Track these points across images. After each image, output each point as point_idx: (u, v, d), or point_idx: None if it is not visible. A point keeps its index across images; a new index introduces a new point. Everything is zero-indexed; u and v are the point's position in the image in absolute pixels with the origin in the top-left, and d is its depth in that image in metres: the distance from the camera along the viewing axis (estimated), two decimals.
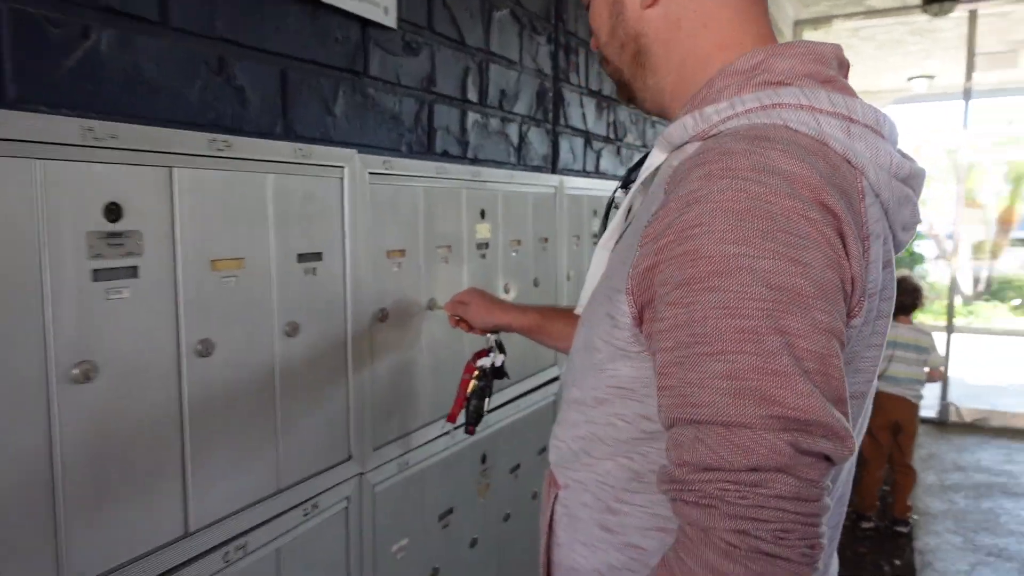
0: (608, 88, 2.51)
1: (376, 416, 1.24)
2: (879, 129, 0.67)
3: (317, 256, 1.08)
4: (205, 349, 0.91)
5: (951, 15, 4.23)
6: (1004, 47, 5.02)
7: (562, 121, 2.20)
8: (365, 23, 1.36)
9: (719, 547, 0.54)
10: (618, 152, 2.62)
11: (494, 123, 1.83)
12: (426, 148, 1.56)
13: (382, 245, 1.22)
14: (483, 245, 1.54)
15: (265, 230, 0.99)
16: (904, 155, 0.69)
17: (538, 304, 1.38)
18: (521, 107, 1.96)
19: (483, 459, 1.60)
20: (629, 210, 0.80)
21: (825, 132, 0.64)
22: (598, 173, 2.43)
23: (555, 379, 1.97)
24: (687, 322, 0.58)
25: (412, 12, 1.50)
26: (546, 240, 1.83)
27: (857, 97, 0.68)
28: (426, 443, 1.38)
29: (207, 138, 0.91)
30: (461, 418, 1.23)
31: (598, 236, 0.89)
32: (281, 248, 1.02)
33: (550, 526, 0.81)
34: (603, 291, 0.73)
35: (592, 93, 2.39)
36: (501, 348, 1.32)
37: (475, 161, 1.74)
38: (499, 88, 1.84)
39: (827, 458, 0.55)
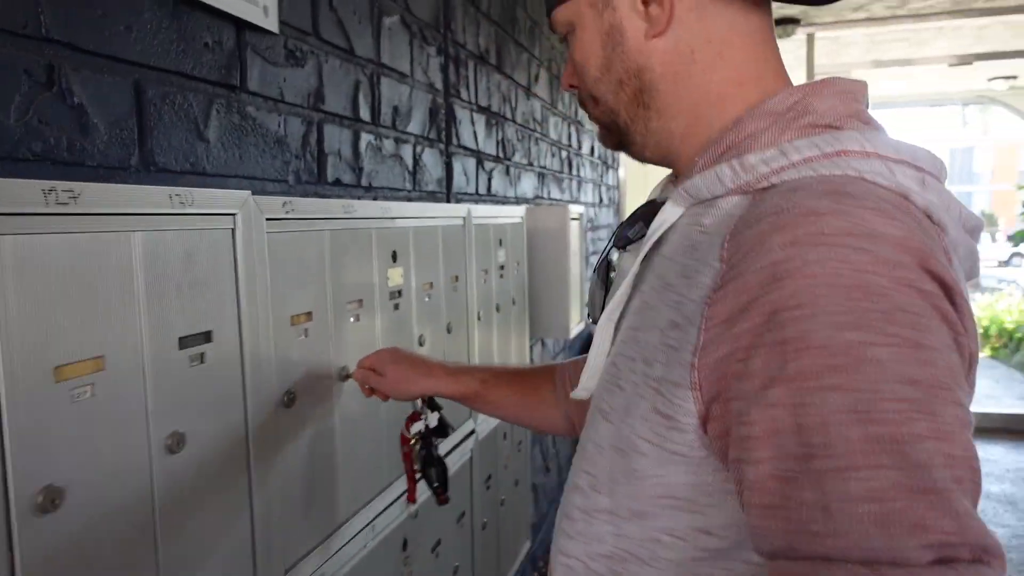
0: (497, 103, 2.33)
1: (288, 531, 0.96)
2: (941, 177, 0.59)
3: (205, 337, 0.80)
4: (48, 498, 0.61)
5: (793, 37, 4.49)
6: (836, 68, 5.44)
7: (455, 141, 1.99)
8: (241, 25, 1.08)
9: None
10: (507, 172, 2.45)
11: (388, 145, 1.59)
12: (316, 177, 1.29)
13: (285, 310, 0.95)
14: (396, 293, 1.30)
15: (132, 311, 0.70)
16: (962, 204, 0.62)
17: (466, 364, 1.17)
18: (415, 126, 1.73)
19: (404, 545, 1.35)
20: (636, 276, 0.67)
21: (903, 184, 0.55)
22: (490, 195, 2.24)
23: (471, 434, 1.75)
24: (795, 428, 0.46)
25: (294, 14, 1.23)
26: (456, 279, 1.61)
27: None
28: (346, 544, 1.12)
29: (42, 188, 0.61)
30: (423, 488, 1.08)
31: (591, 305, 0.78)
32: (156, 333, 0.73)
33: None
34: (639, 380, 0.60)
35: (482, 109, 2.20)
36: (432, 405, 1.12)
37: (370, 189, 1.48)
38: (392, 105, 1.60)
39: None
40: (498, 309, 1.90)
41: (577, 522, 0.65)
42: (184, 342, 0.77)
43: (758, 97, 0.63)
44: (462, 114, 2.04)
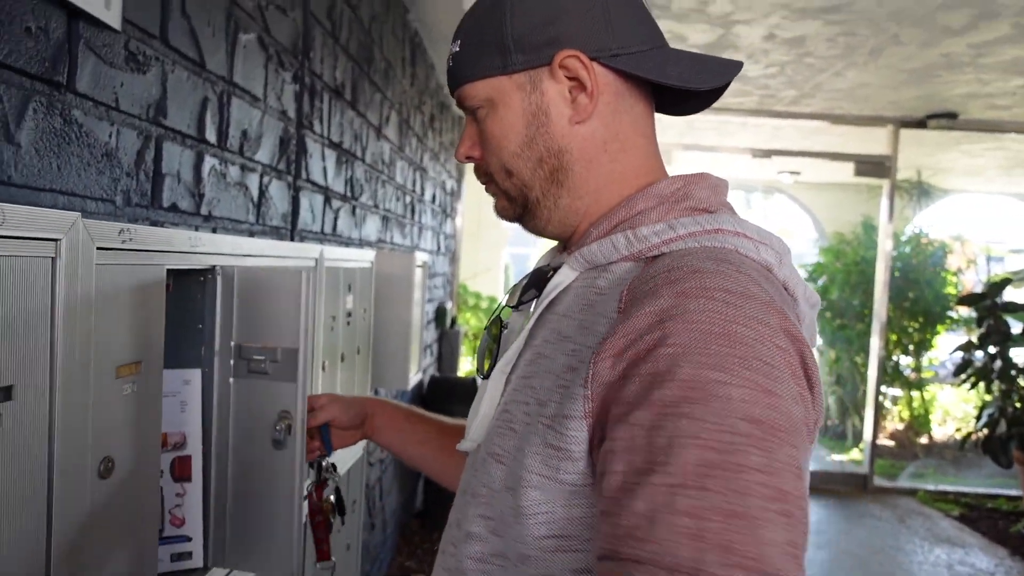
0: (348, 140, 2.22)
1: None
2: (787, 259, 0.69)
3: (2, 395, 0.62)
4: None
5: None
6: None
7: (304, 174, 1.85)
8: (75, 13, 0.91)
9: None
10: (353, 212, 2.32)
11: (234, 172, 1.42)
12: (150, 200, 1.12)
13: (109, 359, 0.78)
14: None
15: None
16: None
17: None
18: (263, 154, 1.58)
19: None
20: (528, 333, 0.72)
21: (766, 259, 0.65)
22: (335, 235, 2.10)
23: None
24: (646, 446, 0.52)
25: (141, 13, 1.07)
26: None
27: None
28: None
29: None
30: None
31: (479, 359, 0.80)
32: None
33: None
34: (532, 420, 0.63)
35: (334, 144, 2.08)
36: (334, 468, 1.12)
37: (209, 219, 1.31)
38: (241, 128, 1.45)
39: None
40: (343, 359, 1.76)
41: (469, 573, 0.66)
42: None
43: (646, 183, 0.72)
44: (313, 147, 1.91)
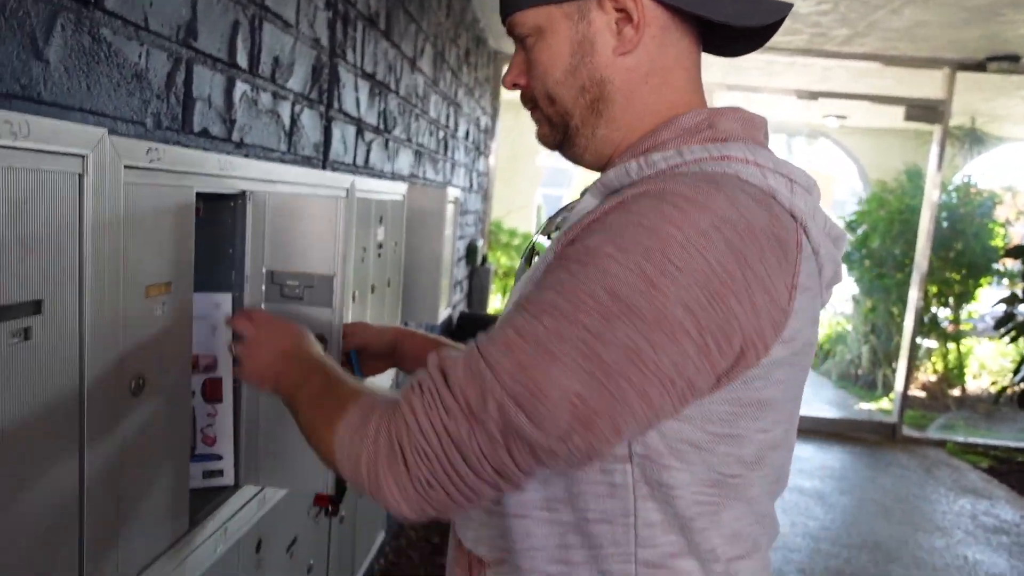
0: (382, 72, 2.18)
1: (126, 541, 0.80)
2: (811, 192, 0.70)
3: (32, 308, 0.63)
4: None
5: None
6: None
7: (336, 105, 1.83)
8: None
9: (396, 422, 0.61)
10: (386, 145, 2.30)
11: (265, 99, 1.41)
12: (180, 124, 1.11)
13: (140, 279, 0.79)
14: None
15: None
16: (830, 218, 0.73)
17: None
18: (295, 83, 1.56)
19: (258, 547, 1.20)
20: None
21: (771, 185, 0.65)
22: (367, 168, 2.09)
23: None
24: (538, 283, 0.62)
25: None
26: None
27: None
28: (195, 550, 0.96)
29: None
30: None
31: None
32: None
33: None
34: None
35: (367, 76, 2.04)
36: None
37: (241, 145, 1.31)
38: (272, 54, 1.43)
39: (519, 433, 0.57)
40: (373, 290, 1.77)
41: None
42: (4, 313, 0.60)
43: (678, 116, 0.73)
44: (346, 77, 1.88)
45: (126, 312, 0.76)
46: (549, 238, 0.81)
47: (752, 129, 0.72)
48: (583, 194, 0.79)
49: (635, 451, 0.64)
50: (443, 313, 2.61)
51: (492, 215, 5.39)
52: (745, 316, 0.59)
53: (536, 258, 0.82)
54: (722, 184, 0.62)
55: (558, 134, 0.77)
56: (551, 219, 0.82)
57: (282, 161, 1.49)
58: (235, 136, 1.29)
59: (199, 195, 0.99)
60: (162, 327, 0.84)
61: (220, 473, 1.07)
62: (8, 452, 0.62)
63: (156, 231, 0.82)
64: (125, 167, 0.73)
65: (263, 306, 1.05)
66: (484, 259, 4.83)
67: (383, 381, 1.99)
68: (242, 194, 1.03)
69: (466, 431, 0.58)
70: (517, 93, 0.81)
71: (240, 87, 1.29)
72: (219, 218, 1.03)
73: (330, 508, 1.07)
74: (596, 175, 0.84)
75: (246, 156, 1.31)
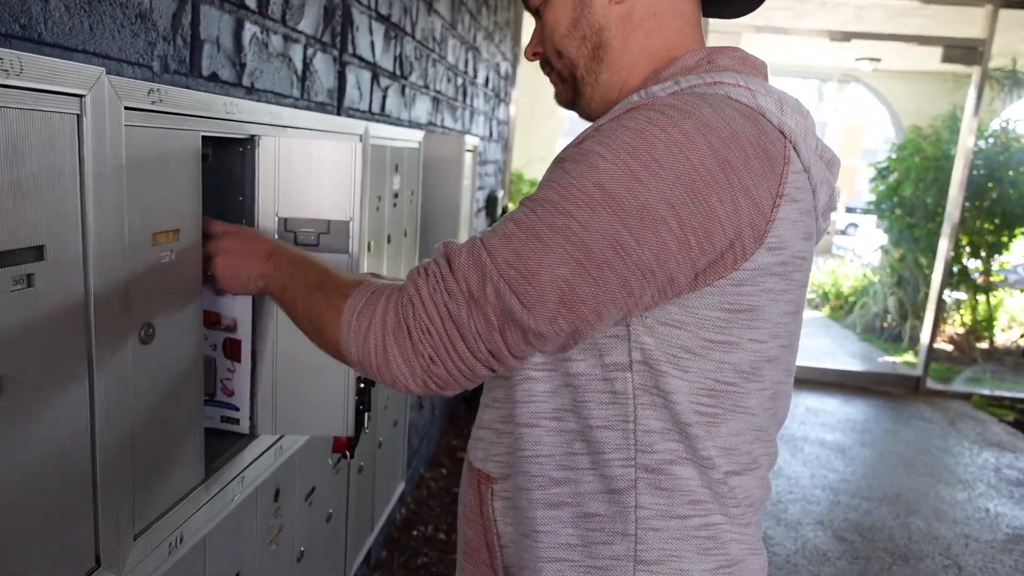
0: (397, 14, 2.11)
1: (140, 490, 0.80)
2: (804, 116, 0.73)
3: (34, 253, 0.61)
4: None
5: None
6: (722, 27, 5.51)
7: (350, 49, 1.77)
8: None
9: (400, 299, 0.68)
10: (403, 92, 2.25)
11: (276, 42, 1.37)
12: (189, 68, 1.08)
13: (146, 225, 0.77)
14: None
15: None
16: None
17: None
18: (307, 24, 1.51)
19: (276, 496, 1.21)
20: None
21: (761, 104, 0.68)
22: (383, 115, 2.04)
23: None
24: (536, 188, 0.67)
25: None
26: None
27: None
28: (210, 499, 0.97)
29: None
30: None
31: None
32: None
33: (495, 528, 0.79)
34: None
35: (382, 18, 1.98)
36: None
37: (252, 91, 1.27)
38: None
39: (511, 316, 0.63)
40: (389, 240, 1.74)
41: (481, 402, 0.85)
42: (4, 258, 0.58)
43: (678, 56, 0.77)
44: (360, 20, 1.82)
45: (132, 259, 0.74)
46: None
47: (750, 67, 0.76)
48: None
49: (634, 358, 0.68)
50: None
51: (513, 165, 5.31)
52: (727, 216, 0.63)
53: None
54: (709, 99, 0.66)
55: (569, 89, 0.83)
56: None
57: (295, 107, 1.45)
58: (246, 81, 1.25)
59: (207, 140, 0.96)
60: (171, 275, 0.82)
61: (236, 422, 1.07)
62: (16, 402, 0.61)
63: (161, 176, 0.79)
64: (126, 109, 0.71)
65: None
66: (504, 210, 4.77)
67: None
68: (251, 139, 1.00)
69: (466, 313, 0.64)
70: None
71: (249, 29, 1.25)
72: (228, 164, 1.00)
73: (348, 454, 1.09)
74: None
75: (257, 102, 1.27)
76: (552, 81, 0.85)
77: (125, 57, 0.92)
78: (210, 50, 1.12)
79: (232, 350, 1.06)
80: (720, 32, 4.83)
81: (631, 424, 0.69)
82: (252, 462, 1.07)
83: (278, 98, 1.37)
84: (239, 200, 1.01)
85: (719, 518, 0.73)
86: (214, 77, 1.14)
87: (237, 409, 1.07)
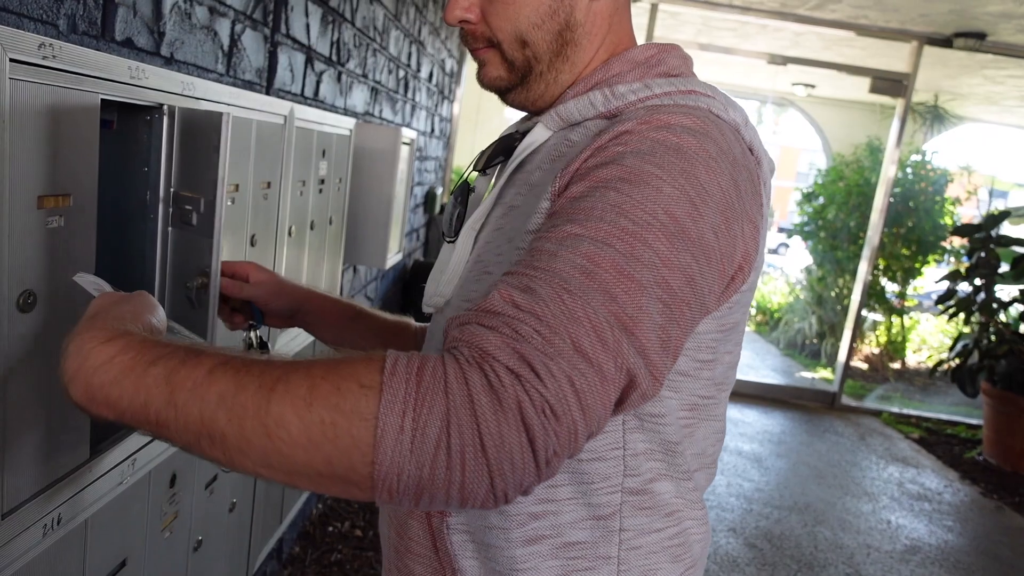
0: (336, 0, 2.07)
1: (11, 466, 0.76)
2: (752, 125, 0.72)
3: None
4: None
5: (638, 4, 4.55)
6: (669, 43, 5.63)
7: (283, 28, 1.73)
8: None
9: (488, 377, 0.46)
10: (338, 79, 2.21)
11: (200, 13, 1.32)
12: (100, 30, 1.03)
13: (29, 189, 0.73)
14: None
15: None
16: None
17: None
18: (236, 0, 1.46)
19: (172, 481, 1.17)
20: (499, 194, 0.74)
21: (737, 121, 0.67)
22: (316, 100, 2.00)
23: None
24: (570, 208, 0.57)
25: None
26: (268, 185, 1.40)
27: None
28: (98, 479, 0.92)
29: None
30: None
31: (446, 223, 0.81)
32: None
33: (455, 563, 0.68)
34: (504, 256, 0.66)
35: (319, 1, 1.94)
36: (264, 346, 1.01)
37: (171, 62, 1.22)
38: None
39: (631, 380, 0.51)
40: (312, 227, 1.71)
41: None
42: None
43: (623, 51, 0.74)
44: (295, 0, 1.78)
45: (11, 221, 0.70)
46: (484, 172, 0.80)
47: (690, 66, 0.75)
48: (508, 135, 0.78)
49: None
50: (392, 259, 2.55)
51: (456, 163, 5.29)
52: (742, 242, 0.62)
53: (472, 194, 0.81)
54: (702, 118, 0.63)
55: (515, 78, 0.73)
56: (484, 153, 0.79)
57: (220, 80, 1.40)
58: (164, 51, 1.20)
59: (112, 105, 0.92)
60: (58, 241, 0.78)
61: None
62: None
63: (52, 137, 0.75)
64: (11, 61, 0.67)
65: (169, 231, 0.97)
66: (443, 208, 4.75)
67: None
68: (160, 107, 0.96)
69: (590, 382, 0.48)
70: None
71: None
72: (134, 133, 0.96)
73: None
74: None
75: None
76: (485, 59, 0.74)
77: (26, 11, 0.87)
78: (125, 14, 1.07)
79: None
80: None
81: (620, 450, 0.66)
82: (145, 444, 1.03)
83: (201, 72, 1.33)
84: (144, 172, 0.97)
85: (688, 522, 0.73)
86: (129, 43, 1.09)
87: None
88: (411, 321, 1.03)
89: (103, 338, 0.51)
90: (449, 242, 0.78)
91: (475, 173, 0.81)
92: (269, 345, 1.06)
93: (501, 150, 0.77)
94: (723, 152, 0.61)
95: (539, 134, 0.72)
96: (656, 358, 0.53)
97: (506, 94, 0.76)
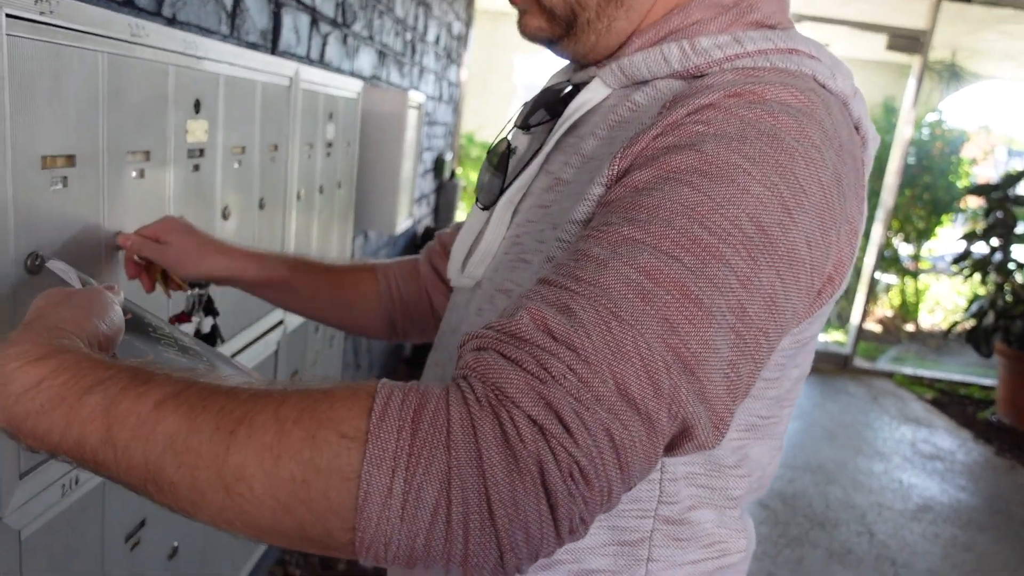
0: None
1: None
2: (860, 94, 0.60)
3: None
4: None
5: None
6: None
7: None
8: None
9: (503, 427, 0.38)
10: (344, 41, 2.17)
11: None
12: None
13: (33, 148, 0.72)
14: (197, 152, 1.06)
15: None
16: None
17: (266, 250, 0.91)
18: None
19: None
20: (545, 159, 0.63)
21: (845, 92, 0.56)
22: (322, 63, 1.97)
23: (279, 324, 1.57)
24: (631, 202, 0.47)
25: None
26: (276, 148, 1.38)
27: None
28: None
29: None
30: None
31: (481, 191, 0.69)
32: None
33: None
34: (545, 248, 0.56)
35: None
36: (209, 308, 0.95)
37: (173, 22, 1.20)
38: None
39: (686, 429, 0.42)
40: (321, 191, 1.69)
41: None
42: None
43: None
44: None
45: (16, 182, 0.69)
46: (527, 131, 0.67)
47: (788, 11, 0.62)
48: (551, 88, 0.67)
49: None
50: (402, 225, 2.54)
51: (465, 128, 5.24)
52: (837, 249, 0.51)
53: (512, 156, 0.68)
54: (809, 90, 0.52)
55: (558, 28, 0.62)
56: (526, 106, 0.68)
57: (225, 41, 1.38)
58: (166, 11, 1.18)
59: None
60: (64, 203, 0.77)
61: None
62: None
63: (54, 96, 0.74)
64: (7, 16, 0.65)
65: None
66: (453, 174, 4.72)
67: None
68: (164, 67, 0.94)
69: (636, 434, 0.40)
70: (494, 2, 0.66)
71: None
72: None
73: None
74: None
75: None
76: (525, 7, 0.64)
77: None
78: None
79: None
80: None
81: (657, 474, 0.57)
82: None
83: (205, 33, 1.31)
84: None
85: (730, 557, 0.63)
86: (129, 3, 1.07)
87: None
88: (372, 266, 0.92)
89: (32, 355, 0.42)
90: (484, 209, 0.68)
91: (515, 132, 0.69)
92: (221, 330, 0.98)
93: (544, 103, 0.65)
94: (828, 138, 0.50)
95: (595, 91, 0.60)
96: (720, 405, 0.43)
97: (553, 45, 0.65)
